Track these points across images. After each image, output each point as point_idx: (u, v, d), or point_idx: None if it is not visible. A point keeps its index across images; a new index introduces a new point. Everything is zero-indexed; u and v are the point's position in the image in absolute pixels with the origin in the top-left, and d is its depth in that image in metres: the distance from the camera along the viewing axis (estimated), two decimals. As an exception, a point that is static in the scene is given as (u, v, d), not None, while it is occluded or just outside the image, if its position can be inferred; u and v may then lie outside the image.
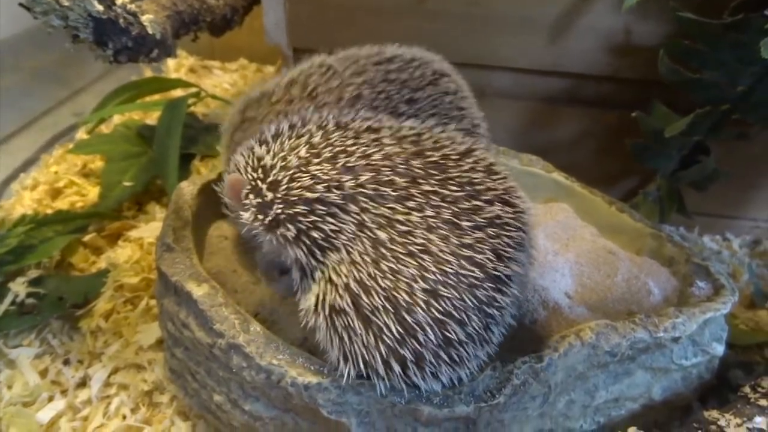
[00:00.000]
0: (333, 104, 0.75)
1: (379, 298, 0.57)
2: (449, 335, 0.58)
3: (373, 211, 0.59)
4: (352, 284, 0.58)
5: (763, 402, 0.69)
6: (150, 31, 0.90)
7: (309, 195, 0.59)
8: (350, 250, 0.59)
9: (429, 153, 0.62)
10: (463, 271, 0.57)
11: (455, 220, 0.59)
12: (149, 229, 1.09)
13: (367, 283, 0.57)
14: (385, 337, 0.57)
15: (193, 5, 1.07)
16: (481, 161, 0.63)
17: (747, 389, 0.72)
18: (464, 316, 0.58)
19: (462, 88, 0.84)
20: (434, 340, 0.57)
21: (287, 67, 1.19)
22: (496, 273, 0.59)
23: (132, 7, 0.88)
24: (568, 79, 1.11)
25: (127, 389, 0.82)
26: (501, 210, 0.60)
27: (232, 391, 0.67)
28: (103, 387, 0.83)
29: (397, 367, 0.58)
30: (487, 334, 0.60)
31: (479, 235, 0.59)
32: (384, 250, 0.58)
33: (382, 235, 0.58)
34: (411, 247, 0.58)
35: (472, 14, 1.07)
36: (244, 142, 0.67)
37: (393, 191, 0.59)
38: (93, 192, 1.21)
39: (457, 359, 0.59)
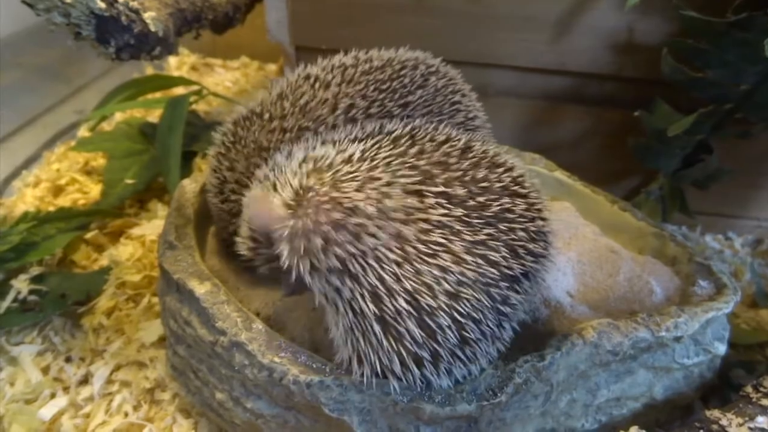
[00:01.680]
0: (328, 115, 0.74)
1: (402, 302, 0.56)
2: (466, 334, 0.58)
3: (394, 203, 0.56)
4: (378, 285, 0.56)
5: (765, 401, 0.68)
6: (152, 29, 0.90)
7: (337, 216, 0.55)
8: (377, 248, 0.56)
9: (429, 153, 0.60)
10: (480, 270, 0.57)
11: (466, 218, 0.57)
12: (151, 226, 1.09)
13: (393, 286, 0.55)
14: (405, 341, 0.57)
15: (195, 3, 1.07)
16: (483, 155, 0.62)
17: (749, 389, 0.71)
18: (481, 316, 0.58)
19: (454, 82, 0.84)
20: (452, 340, 0.58)
21: (289, 65, 1.19)
22: (511, 271, 0.59)
23: (134, 4, 0.87)
24: (571, 77, 1.11)
25: (129, 386, 0.83)
26: (510, 203, 0.60)
27: (234, 389, 0.67)
28: (105, 384, 0.83)
29: (413, 368, 0.58)
30: (500, 331, 0.61)
31: (490, 230, 0.58)
32: (409, 248, 0.56)
33: (407, 231, 0.56)
34: (432, 246, 0.56)
35: (473, 12, 1.07)
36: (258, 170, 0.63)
37: (406, 190, 0.57)
38: (95, 189, 1.21)
39: (471, 356, 0.60)
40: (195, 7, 1.07)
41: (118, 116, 1.43)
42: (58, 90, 1.50)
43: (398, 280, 0.56)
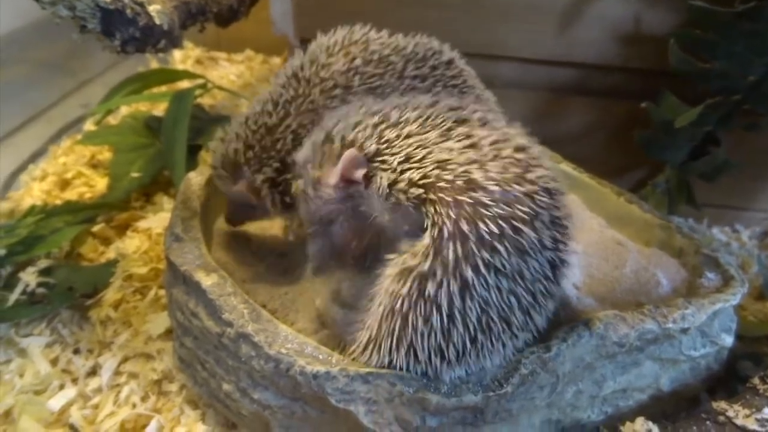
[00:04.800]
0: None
1: (476, 308, 0.57)
2: (500, 347, 0.61)
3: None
4: (454, 284, 0.57)
5: (771, 393, 0.68)
6: (157, 22, 0.90)
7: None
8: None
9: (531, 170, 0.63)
10: (530, 299, 0.60)
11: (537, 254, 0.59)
12: (157, 219, 1.10)
13: (473, 291, 0.57)
14: (454, 340, 0.58)
15: (199, -4, 1.06)
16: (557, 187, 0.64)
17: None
18: (516, 331, 0.61)
19: (468, 76, 0.83)
20: (498, 328, 0.60)
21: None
22: (552, 296, 0.63)
23: (139, -3, 0.87)
24: (577, 69, 1.11)
25: (137, 378, 0.83)
26: (559, 234, 0.62)
27: (241, 380, 0.67)
28: (112, 376, 0.83)
29: (437, 361, 0.60)
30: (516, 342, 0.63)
31: (549, 256, 0.61)
32: (499, 258, 0.57)
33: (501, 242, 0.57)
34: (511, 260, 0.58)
35: (478, 3, 1.07)
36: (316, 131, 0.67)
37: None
38: (101, 183, 1.21)
39: (493, 362, 0.62)
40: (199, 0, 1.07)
41: (124, 110, 1.43)
42: (64, 84, 1.51)
43: (487, 290, 0.57)
